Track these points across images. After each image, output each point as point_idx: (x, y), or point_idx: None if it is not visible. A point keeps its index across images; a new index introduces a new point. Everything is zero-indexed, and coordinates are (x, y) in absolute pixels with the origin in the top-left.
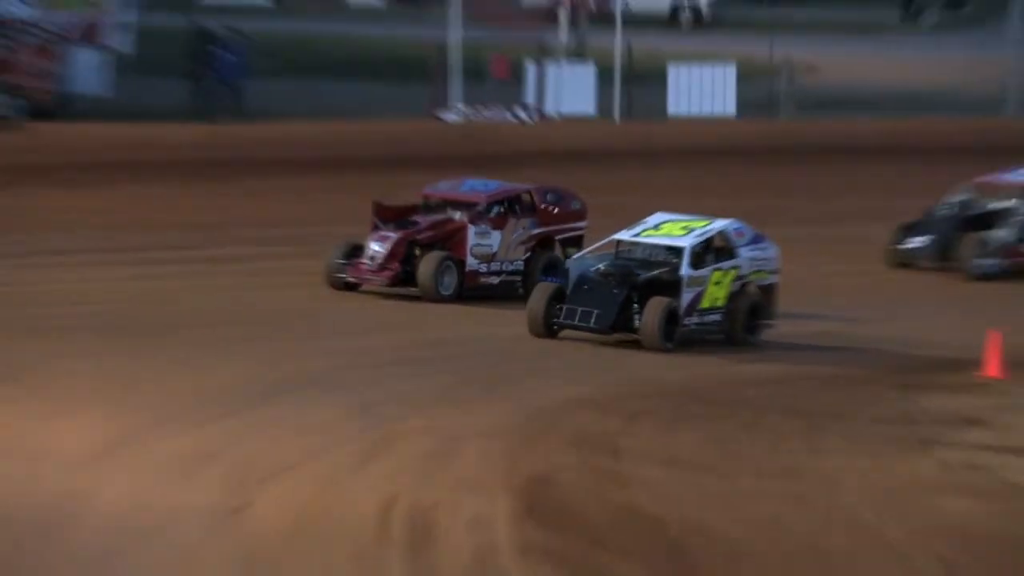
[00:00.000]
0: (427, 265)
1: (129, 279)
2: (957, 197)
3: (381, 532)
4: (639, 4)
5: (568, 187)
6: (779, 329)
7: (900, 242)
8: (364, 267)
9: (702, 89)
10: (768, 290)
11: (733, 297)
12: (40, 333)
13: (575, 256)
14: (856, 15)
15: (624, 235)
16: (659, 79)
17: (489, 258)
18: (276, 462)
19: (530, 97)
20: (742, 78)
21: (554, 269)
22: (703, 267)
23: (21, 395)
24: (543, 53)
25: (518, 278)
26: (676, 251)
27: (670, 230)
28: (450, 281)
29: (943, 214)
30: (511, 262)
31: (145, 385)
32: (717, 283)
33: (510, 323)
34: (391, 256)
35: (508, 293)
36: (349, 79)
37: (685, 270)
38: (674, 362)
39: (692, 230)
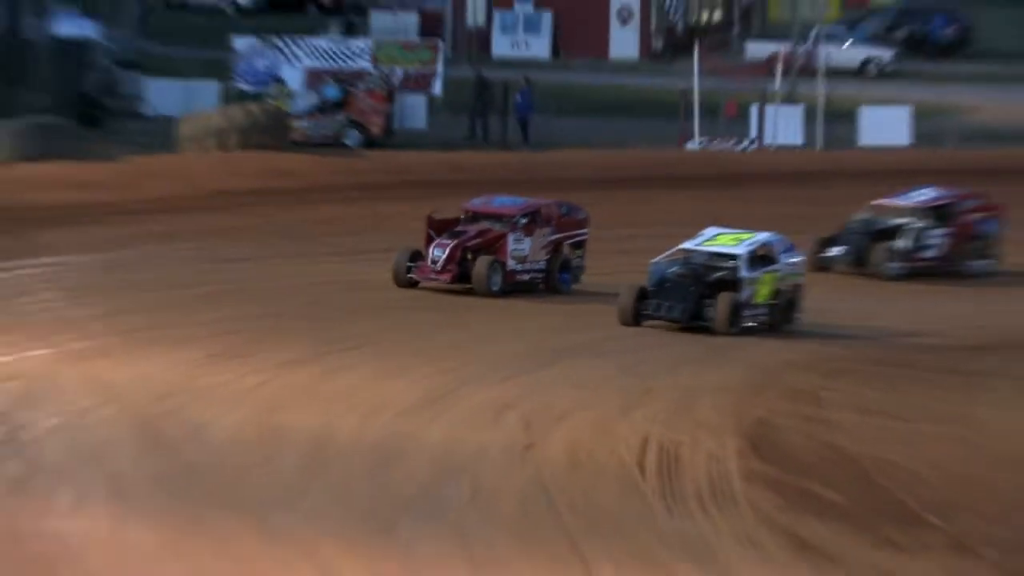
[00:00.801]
0: (481, 267)
1: None
2: (861, 215)
3: (639, 464)
4: (836, 60)
5: (575, 201)
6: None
7: (820, 251)
8: (428, 268)
9: (885, 125)
10: (797, 289)
11: (775, 295)
12: (374, 312)
13: (653, 261)
14: (1010, 69)
15: (689, 245)
16: (851, 117)
17: (523, 260)
18: (558, 410)
19: (753, 131)
20: (917, 117)
21: (567, 267)
22: (756, 271)
23: (362, 360)
24: (763, 98)
25: (541, 275)
26: (734, 257)
27: (725, 240)
28: (497, 279)
29: (854, 228)
30: (537, 262)
31: (455, 352)
32: (765, 283)
33: None
34: (449, 259)
35: (532, 288)
36: (612, 118)
37: (744, 272)
38: (855, 336)
39: (742, 241)
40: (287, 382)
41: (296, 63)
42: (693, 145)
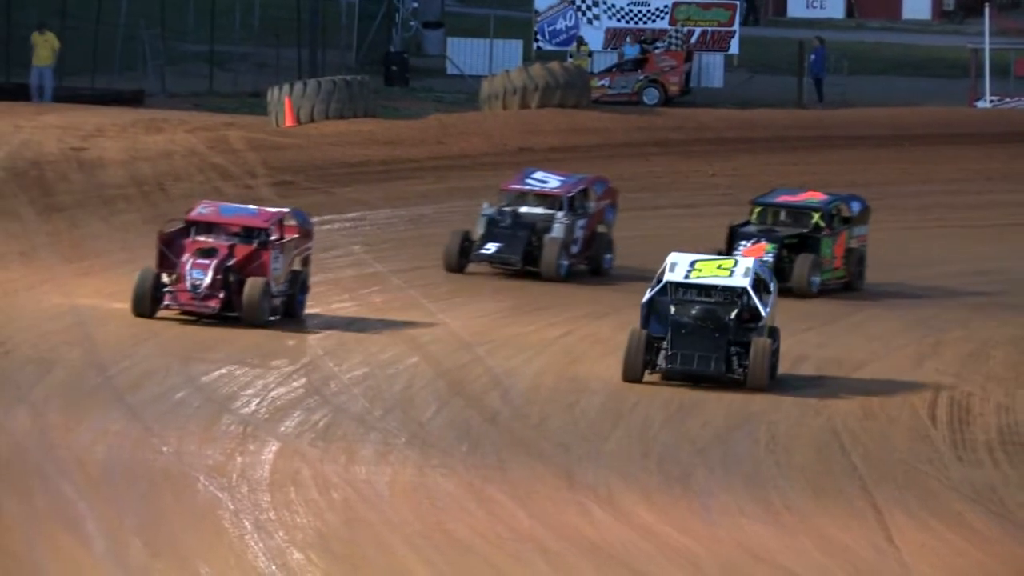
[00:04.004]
0: (254, 292)
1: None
2: (498, 206)
3: (930, 413)
4: None
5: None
6: None
7: (475, 248)
8: (188, 296)
9: None
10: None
11: (772, 333)
12: None
13: (643, 301)
14: None
15: (676, 278)
16: None
17: (278, 280)
18: (852, 361)
19: None
20: None
21: (304, 288)
22: (767, 305)
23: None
24: None
25: (286, 298)
26: (736, 291)
27: (710, 269)
28: (267, 305)
29: (502, 221)
30: (284, 284)
31: None
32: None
33: None
34: (213, 285)
35: (277, 315)
36: (904, 77)
37: (765, 309)
38: None
39: (730, 269)
40: (586, 333)
41: (596, 23)
42: (984, 104)
